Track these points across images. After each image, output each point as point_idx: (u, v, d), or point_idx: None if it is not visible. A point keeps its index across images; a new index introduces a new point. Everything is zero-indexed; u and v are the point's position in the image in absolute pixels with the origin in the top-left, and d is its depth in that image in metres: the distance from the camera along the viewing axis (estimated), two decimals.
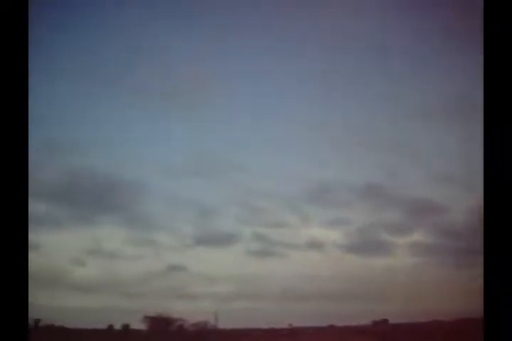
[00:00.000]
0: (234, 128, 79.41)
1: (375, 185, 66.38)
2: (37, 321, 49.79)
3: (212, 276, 62.30)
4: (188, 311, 55.62)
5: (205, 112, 74.29)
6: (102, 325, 53.48)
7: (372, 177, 68.96)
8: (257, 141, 78.05)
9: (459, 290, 48.34)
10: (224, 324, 55.43)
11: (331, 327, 54.48)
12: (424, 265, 61.04)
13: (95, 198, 66.40)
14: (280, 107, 79.33)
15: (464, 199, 55.95)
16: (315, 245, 66.55)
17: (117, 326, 54.54)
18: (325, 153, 73.69)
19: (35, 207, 61.62)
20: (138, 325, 53.74)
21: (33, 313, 48.61)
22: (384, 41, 68.83)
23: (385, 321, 54.66)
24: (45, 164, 62.72)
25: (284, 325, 55.52)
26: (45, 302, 50.30)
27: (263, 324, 55.39)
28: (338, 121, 72.86)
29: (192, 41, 70.73)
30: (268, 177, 73.57)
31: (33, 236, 49.46)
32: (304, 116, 75.47)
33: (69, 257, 60.46)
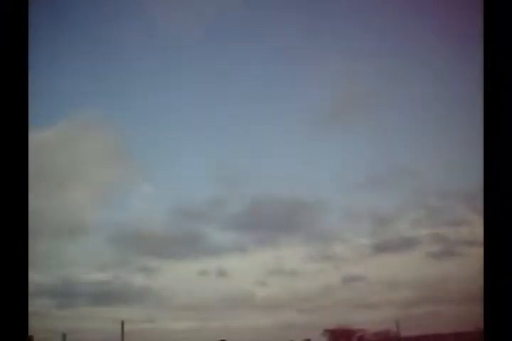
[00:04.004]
0: (396, 132, 79.89)
1: None
2: None
3: (392, 283, 61.13)
4: (369, 320, 55.62)
5: (366, 125, 76.44)
6: None
7: None
8: (421, 142, 76.63)
9: None
10: (406, 331, 53.93)
11: None
12: None
13: (275, 221, 71.69)
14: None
15: None
16: None
17: None
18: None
19: (222, 235, 69.83)
20: (319, 339, 55.43)
21: (223, 335, 54.73)
22: None
23: None
24: (226, 197, 71.31)
25: (470, 328, 51.38)
26: (235, 324, 56.04)
27: (448, 328, 52.11)
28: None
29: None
30: (438, 176, 70.95)
31: (220, 263, 56.40)
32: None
33: (252, 279, 65.99)
